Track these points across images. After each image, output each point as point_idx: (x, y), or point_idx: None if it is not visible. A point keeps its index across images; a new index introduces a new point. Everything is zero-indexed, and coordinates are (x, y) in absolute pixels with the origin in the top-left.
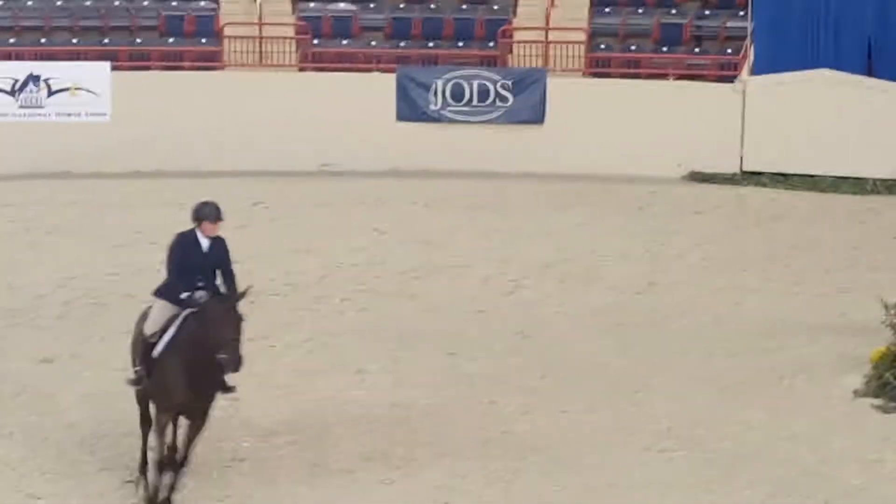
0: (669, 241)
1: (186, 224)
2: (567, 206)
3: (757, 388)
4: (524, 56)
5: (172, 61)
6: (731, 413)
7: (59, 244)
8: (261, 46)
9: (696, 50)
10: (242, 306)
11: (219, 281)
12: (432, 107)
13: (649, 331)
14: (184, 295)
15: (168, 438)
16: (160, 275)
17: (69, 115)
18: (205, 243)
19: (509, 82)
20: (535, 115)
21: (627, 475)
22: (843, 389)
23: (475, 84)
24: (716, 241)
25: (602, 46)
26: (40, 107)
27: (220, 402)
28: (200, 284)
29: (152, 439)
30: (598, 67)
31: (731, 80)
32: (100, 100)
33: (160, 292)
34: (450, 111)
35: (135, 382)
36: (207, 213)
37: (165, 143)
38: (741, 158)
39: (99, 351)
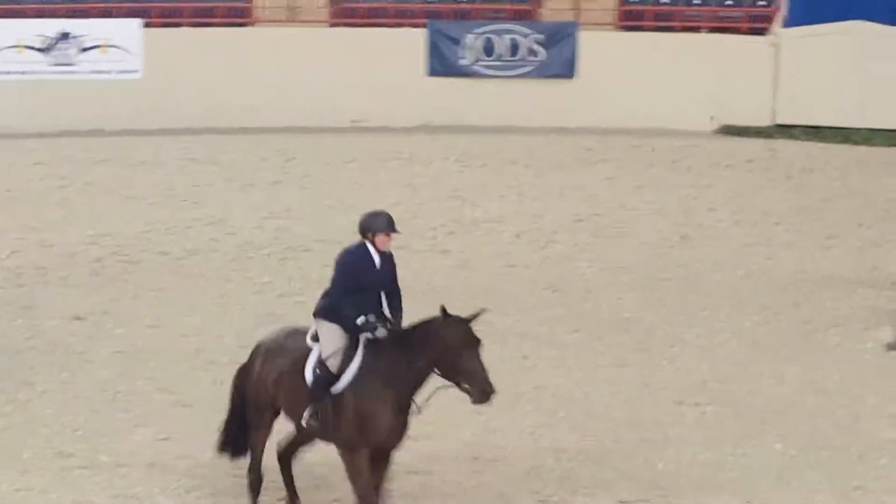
0: (701, 195)
1: (213, 181)
2: (598, 160)
3: (789, 343)
4: (556, 10)
5: (203, 17)
6: (763, 367)
7: (91, 202)
8: (291, 2)
9: (729, 2)
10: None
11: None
12: (463, 62)
13: (681, 285)
14: (360, 320)
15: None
16: (192, 231)
17: (101, 72)
18: (377, 259)
19: (541, 37)
20: (567, 70)
21: (659, 429)
22: (876, 343)
23: (506, 39)
24: (748, 195)
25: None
26: (72, 64)
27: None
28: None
29: (359, 487)
30: (629, 20)
31: (763, 32)
32: (131, 57)
33: (327, 315)
34: (481, 66)
35: (314, 422)
36: (381, 223)
37: (196, 100)
38: (774, 111)
39: (130, 309)
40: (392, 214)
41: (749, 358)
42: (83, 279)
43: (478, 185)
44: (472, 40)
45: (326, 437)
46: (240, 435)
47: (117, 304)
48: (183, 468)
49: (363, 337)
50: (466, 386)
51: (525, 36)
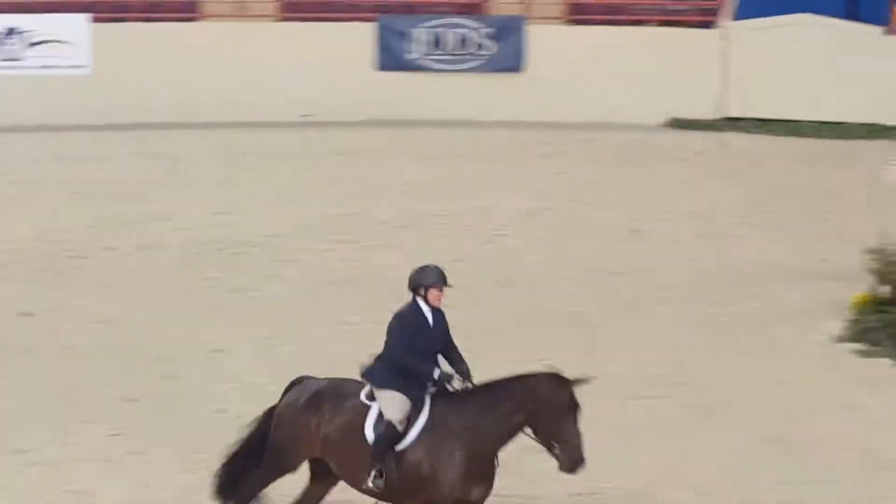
0: (652, 189)
1: (162, 176)
2: (548, 154)
3: (740, 335)
4: (504, 4)
5: (152, 12)
6: (714, 360)
7: (39, 198)
8: None
9: None
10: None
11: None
12: (412, 56)
13: (632, 279)
14: (436, 373)
15: None
16: (141, 227)
17: (49, 67)
18: (430, 316)
19: (490, 31)
20: (515, 64)
21: (614, 422)
22: (824, 335)
23: (455, 33)
24: (698, 188)
25: None
26: (19, 59)
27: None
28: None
29: None
30: (578, 14)
31: (712, 25)
32: (80, 52)
33: (389, 382)
34: (429, 60)
35: (379, 482)
36: (433, 278)
37: (145, 95)
38: (723, 104)
39: (78, 304)
40: (339, 204)
41: (700, 351)
42: (31, 275)
43: (427, 180)
44: (421, 34)
45: (392, 499)
46: (242, 477)
47: (66, 300)
48: (133, 464)
49: (428, 392)
50: (558, 451)
51: (474, 30)
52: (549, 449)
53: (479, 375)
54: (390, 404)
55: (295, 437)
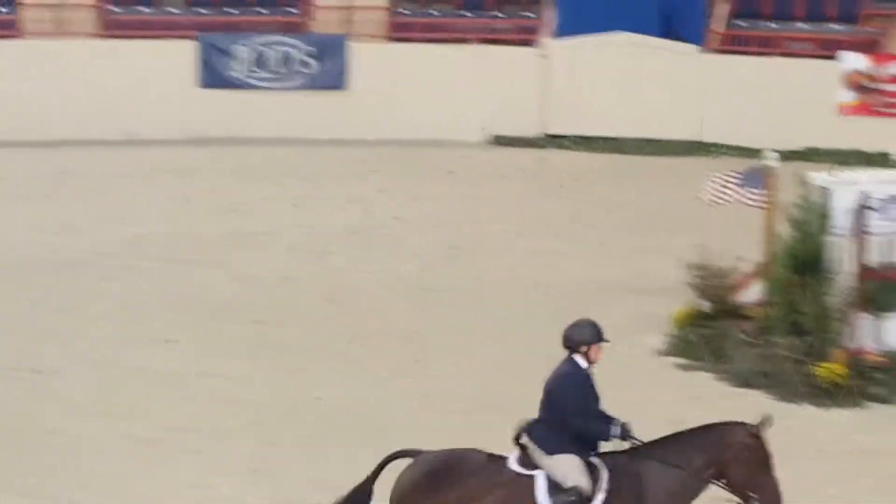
0: (475, 206)
1: None
2: (372, 172)
3: (562, 350)
4: (326, 22)
5: None
6: (537, 375)
7: None
8: (58, 14)
9: (498, 14)
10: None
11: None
12: (235, 74)
13: (456, 296)
14: (614, 431)
15: None
16: None
17: None
18: (590, 373)
19: (312, 48)
20: (338, 82)
21: (440, 439)
22: (646, 349)
23: (278, 50)
24: (521, 205)
25: (404, 11)
26: None
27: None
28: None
29: None
30: (400, 32)
31: (532, 43)
32: None
33: (566, 446)
34: (253, 78)
35: None
36: (594, 334)
37: None
38: (544, 122)
39: None
40: (164, 222)
41: (524, 366)
42: None
43: (252, 198)
44: (243, 52)
45: None
46: None
47: None
48: None
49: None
50: (756, 501)
51: (296, 48)
52: (745, 500)
53: (307, 394)
54: (571, 470)
55: None
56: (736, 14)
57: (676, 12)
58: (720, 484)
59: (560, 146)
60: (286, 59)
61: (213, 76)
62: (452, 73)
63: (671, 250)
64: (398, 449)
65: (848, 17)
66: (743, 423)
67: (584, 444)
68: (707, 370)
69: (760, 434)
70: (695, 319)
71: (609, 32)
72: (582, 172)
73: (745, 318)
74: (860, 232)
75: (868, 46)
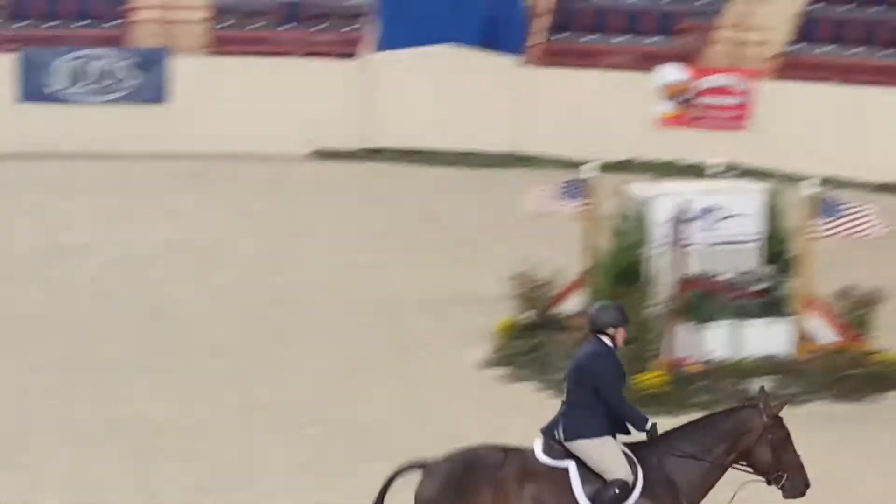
0: (296, 220)
1: None
2: (193, 185)
3: (385, 363)
4: (146, 35)
5: None
6: (360, 388)
7: None
8: None
9: (320, 27)
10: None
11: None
12: (54, 88)
13: (279, 309)
14: (650, 424)
15: None
16: None
17: None
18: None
19: (132, 62)
20: (158, 95)
21: (259, 456)
22: (468, 361)
23: (97, 64)
24: (342, 219)
25: (224, 25)
26: None
27: None
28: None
29: None
30: (221, 46)
31: (353, 56)
32: None
33: (606, 429)
34: (73, 92)
35: None
36: (622, 317)
37: None
38: (365, 135)
39: None
40: None
41: (346, 379)
42: None
43: (72, 212)
44: (63, 66)
45: None
46: None
47: None
48: None
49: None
50: (785, 480)
51: (116, 61)
52: (770, 480)
53: (126, 410)
54: (611, 458)
55: None
56: (556, 28)
57: (498, 26)
58: (745, 468)
59: (382, 159)
60: (106, 73)
61: (33, 90)
62: (273, 86)
63: (492, 262)
64: (402, 463)
65: (665, 31)
66: (759, 406)
67: (615, 429)
68: (531, 381)
69: (778, 414)
70: (517, 331)
71: (430, 46)
72: (403, 185)
73: (568, 328)
74: (678, 242)
75: (683, 59)
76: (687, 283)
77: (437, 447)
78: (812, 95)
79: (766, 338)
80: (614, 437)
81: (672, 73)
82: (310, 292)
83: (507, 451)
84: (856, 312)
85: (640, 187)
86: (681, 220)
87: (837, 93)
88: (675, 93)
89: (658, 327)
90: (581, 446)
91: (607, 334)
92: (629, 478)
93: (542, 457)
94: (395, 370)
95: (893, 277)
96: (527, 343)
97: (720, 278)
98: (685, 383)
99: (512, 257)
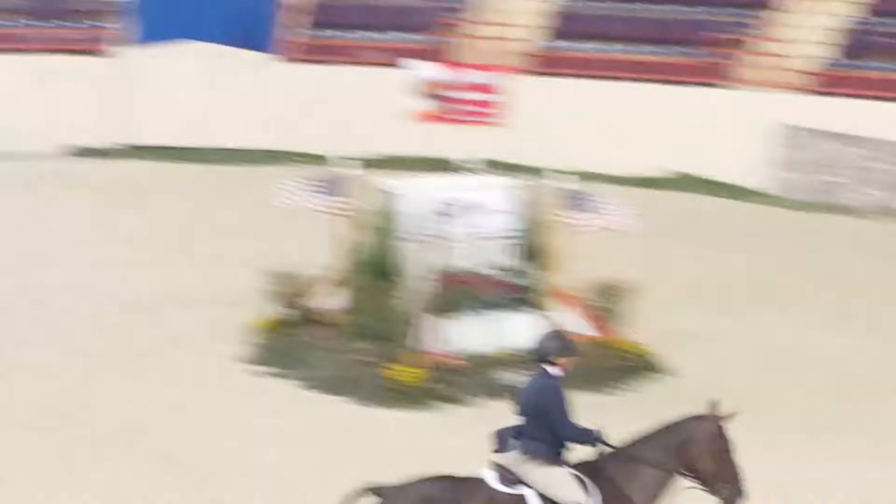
0: (48, 219)
1: None
2: None
3: (136, 361)
4: None
5: None
6: (110, 388)
7: None
8: None
9: (65, 24)
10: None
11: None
12: None
13: (31, 308)
14: (596, 435)
15: None
16: None
17: None
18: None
19: None
20: None
21: (11, 456)
22: (225, 358)
23: None
24: (97, 217)
25: None
26: None
27: None
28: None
29: None
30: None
31: (109, 53)
32: None
33: (556, 455)
34: None
35: None
36: (560, 346)
37: None
38: (122, 132)
39: None
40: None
41: (96, 379)
42: None
43: None
44: None
45: None
46: None
47: None
48: None
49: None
50: (724, 489)
51: None
52: (711, 488)
53: None
54: (566, 485)
55: None
56: (314, 24)
57: (256, 22)
58: (689, 477)
59: (142, 157)
60: None
61: None
62: (21, 83)
63: (248, 259)
64: (361, 485)
65: (421, 28)
66: (706, 416)
67: (565, 455)
68: (287, 377)
69: (722, 424)
70: (274, 327)
71: (187, 41)
72: (161, 183)
73: (324, 324)
74: (428, 237)
75: (440, 55)
76: (443, 277)
77: (191, 444)
78: (571, 91)
79: (521, 331)
80: (566, 463)
81: (428, 69)
82: (65, 291)
83: (464, 480)
84: (608, 305)
85: (393, 182)
86: (437, 214)
87: (596, 88)
88: (432, 89)
89: (406, 321)
90: (534, 474)
91: (549, 362)
92: (584, 500)
93: (498, 486)
94: (148, 368)
95: (644, 270)
96: (284, 340)
97: (475, 272)
98: (437, 376)
99: (269, 254)
